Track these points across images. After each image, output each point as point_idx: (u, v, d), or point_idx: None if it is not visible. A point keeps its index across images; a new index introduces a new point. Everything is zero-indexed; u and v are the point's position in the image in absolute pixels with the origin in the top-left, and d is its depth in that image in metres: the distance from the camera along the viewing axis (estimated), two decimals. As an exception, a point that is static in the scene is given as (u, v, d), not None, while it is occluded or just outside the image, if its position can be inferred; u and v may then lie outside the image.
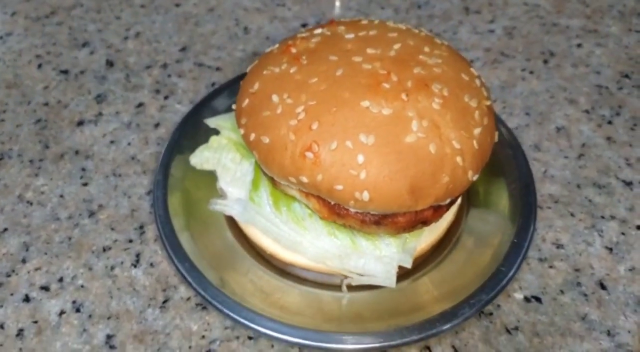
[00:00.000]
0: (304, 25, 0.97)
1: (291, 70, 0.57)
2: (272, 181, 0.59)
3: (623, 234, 0.67)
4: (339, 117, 0.52)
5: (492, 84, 0.85)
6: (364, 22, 0.63)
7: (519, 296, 0.62)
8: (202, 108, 0.74)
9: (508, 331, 0.59)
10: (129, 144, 0.78)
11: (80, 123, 0.81)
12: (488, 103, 0.58)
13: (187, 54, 0.91)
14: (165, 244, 0.62)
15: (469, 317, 0.56)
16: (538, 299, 0.62)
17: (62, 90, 0.86)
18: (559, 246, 0.66)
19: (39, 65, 0.90)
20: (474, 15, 0.98)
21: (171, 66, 0.89)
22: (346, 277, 0.60)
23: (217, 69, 0.89)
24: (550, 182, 0.72)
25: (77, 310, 0.62)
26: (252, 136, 0.56)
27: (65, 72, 0.89)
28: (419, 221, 0.56)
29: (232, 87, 0.77)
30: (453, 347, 0.58)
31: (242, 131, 0.58)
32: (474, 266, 0.62)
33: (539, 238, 0.67)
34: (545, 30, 0.94)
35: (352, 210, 0.54)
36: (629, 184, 0.72)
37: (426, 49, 0.59)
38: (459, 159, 0.53)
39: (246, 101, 0.58)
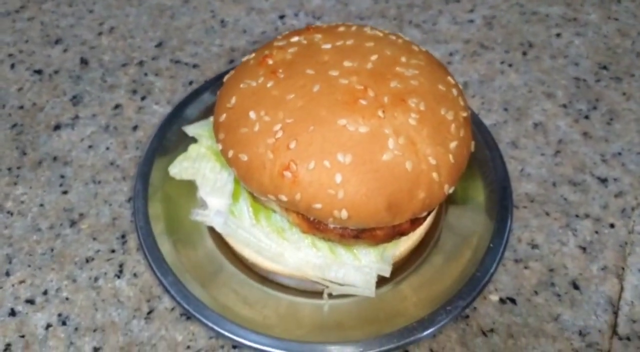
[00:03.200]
0: (281, 17, 0.95)
1: (268, 85, 0.57)
2: (252, 195, 0.59)
3: (597, 232, 0.69)
4: (316, 136, 0.52)
5: (472, 78, 0.86)
6: (341, 29, 0.62)
7: (494, 297, 0.64)
8: (180, 112, 0.74)
9: (484, 333, 0.62)
10: (107, 148, 0.78)
11: (57, 127, 0.80)
12: (465, 115, 0.58)
13: (163, 50, 0.90)
14: (148, 256, 0.62)
15: (446, 324, 0.58)
16: (513, 301, 0.64)
17: (37, 92, 0.84)
18: (534, 246, 0.68)
19: (12, 65, 0.88)
20: (454, 4, 0.97)
21: (147, 64, 0.88)
22: (327, 286, 0.62)
23: (194, 66, 0.88)
24: (527, 180, 0.74)
25: (63, 323, 0.62)
26: (231, 153, 0.56)
27: (39, 72, 0.87)
28: (397, 233, 0.57)
29: (210, 89, 0.76)
30: (431, 350, 0.60)
31: (220, 146, 0.58)
32: (452, 270, 0.63)
33: (514, 238, 0.69)
34: (525, 19, 0.94)
35: (331, 225, 0.55)
36: (603, 181, 0.74)
37: (403, 59, 0.58)
38: (435, 175, 0.54)
39: (223, 116, 0.58)
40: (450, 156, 0.55)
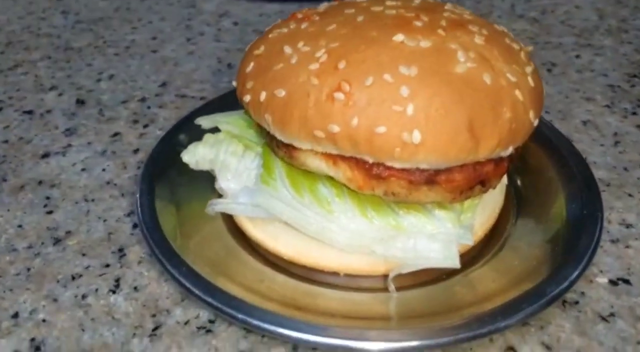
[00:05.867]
0: (290, 60, 0.91)
1: (302, 26, 0.49)
2: (289, 156, 0.47)
3: (693, 208, 0.58)
4: (369, 53, 0.44)
5: (501, 92, 0.80)
6: (373, -7, 0.57)
7: (602, 280, 0.50)
8: (194, 115, 0.64)
9: (604, 319, 0.47)
10: (103, 170, 0.66)
11: (46, 155, 0.69)
12: (529, 48, 0.51)
13: (168, 88, 0.83)
14: (157, 253, 0.48)
15: (556, 299, 0.44)
16: (626, 281, 0.50)
17: (25, 129, 0.75)
18: (628, 226, 0.56)
19: (0, 109, 0.80)
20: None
21: (150, 100, 0.81)
22: (386, 276, 0.48)
23: (202, 98, 0.81)
24: (595, 168, 0.64)
25: (37, 348, 0.46)
26: (263, 95, 0.46)
27: (29, 112, 0.79)
28: (478, 178, 0.45)
29: (230, 98, 0.68)
30: (543, 344, 0.45)
31: (247, 98, 0.48)
32: (538, 252, 0.50)
33: (603, 221, 0.56)
34: (540, 47, 0.92)
35: (397, 165, 0.43)
36: (678, 163, 0.64)
37: (449, 5, 0.52)
38: (517, 92, 0.44)
39: (251, 65, 0.49)
40: (530, 79, 0.46)
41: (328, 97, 0.43)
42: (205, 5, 1.12)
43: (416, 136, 0.41)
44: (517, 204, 0.57)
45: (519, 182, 0.59)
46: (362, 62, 0.43)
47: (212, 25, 1.04)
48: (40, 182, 0.65)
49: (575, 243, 0.48)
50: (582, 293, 0.49)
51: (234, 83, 0.52)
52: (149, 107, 0.79)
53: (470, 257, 0.50)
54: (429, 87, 0.42)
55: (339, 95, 0.42)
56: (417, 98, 0.42)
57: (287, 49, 0.47)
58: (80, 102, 0.81)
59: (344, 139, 0.43)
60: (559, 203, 0.54)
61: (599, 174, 0.63)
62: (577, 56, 0.89)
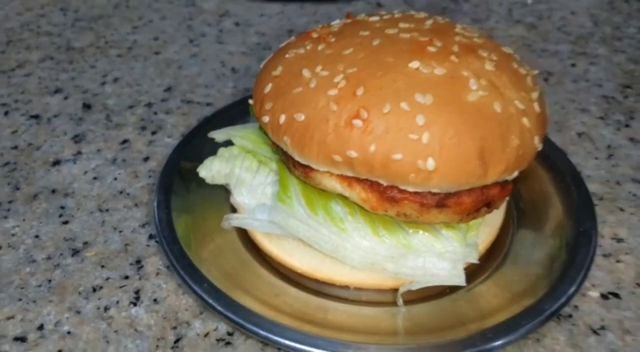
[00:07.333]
0: (293, 64, 0.93)
1: (319, 48, 0.51)
2: (305, 175, 0.50)
3: (682, 223, 0.61)
4: (386, 80, 0.46)
5: (499, 101, 0.82)
6: (383, 11, 0.59)
7: (594, 293, 0.54)
8: (206, 124, 0.66)
9: (595, 332, 0.50)
10: (115, 178, 0.68)
11: (56, 163, 0.71)
12: (535, 72, 0.53)
13: (173, 92, 0.84)
14: (177, 267, 0.50)
15: (554, 315, 0.47)
16: (616, 295, 0.53)
17: (34, 134, 0.76)
18: (619, 240, 0.59)
19: (6, 112, 0.80)
20: (463, 47, 0.97)
21: (157, 105, 0.82)
22: (395, 290, 0.50)
23: (208, 104, 0.82)
24: (589, 181, 0.67)
25: (64, 361, 0.48)
26: (282, 118, 0.48)
27: (35, 116, 0.79)
28: (485, 200, 0.48)
29: (238, 107, 0.70)
30: (541, 356, 0.48)
31: (266, 119, 0.50)
32: (536, 269, 0.53)
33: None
34: (537, 55, 0.94)
35: (410, 189, 0.46)
36: (668, 177, 0.68)
37: (459, 26, 0.55)
38: (525, 120, 0.47)
39: (269, 86, 0.51)
40: (536, 105, 0.49)
41: (347, 124, 0.45)
42: (204, 4, 1.12)
43: (430, 163, 0.44)
44: (516, 218, 0.59)
45: (518, 196, 0.62)
46: (380, 89, 0.45)
47: (213, 25, 1.05)
48: (53, 191, 0.66)
49: (572, 260, 0.51)
50: (576, 307, 0.52)
51: (250, 101, 0.54)
52: (155, 113, 0.80)
53: (472, 271, 0.53)
54: (443, 116, 0.44)
55: (358, 122, 0.44)
56: (433, 127, 0.44)
57: (306, 73, 0.49)
58: (86, 106, 0.82)
59: (361, 164, 0.45)
60: (556, 219, 0.57)
61: (592, 187, 0.66)
62: (573, 65, 0.91)
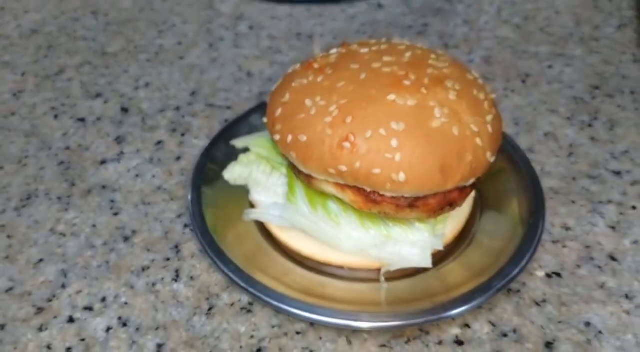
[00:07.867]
0: (301, 68, 1.05)
1: (318, 79, 0.64)
2: (308, 181, 0.63)
3: (622, 214, 0.74)
4: (370, 110, 0.59)
5: (480, 103, 0.94)
6: (373, 41, 0.71)
7: (540, 273, 0.67)
8: (228, 130, 0.80)
9: (537, 304, 0.64)
10: (153, 176, 0.82)
11: (104, 162, 0.85)
12: (492, 96, 0.65)
13: (197, 97, 0.98)
14: (209, 252, 0.65)
15: (499, 298, 0.61)
16: (558, 275, 0.67)
17: (82, 136, 0.90)
18: (568, 229, 0.72)
19: (55, 116, 0.94)
20: (454, 50, 1.08)
21: (184, 108, 0.95)
22: (379, 269, 0.64)
23: (228, 107, 0.95)
24: (548, 177, 0.79)
25: (124, 324, 0.63)
26: (289, 138, 0.61)
27: (82, 120, 0.93)
28: (447, 202, 0.61)
29: (255, 114, 0.83)
30: (490, 322, 0.62)
31: (277, 137, 0.63)
32: (495, 252, 0.66)
33: (547, 224, 0.73)
34: (518, 56, 1.05)
35: (388, 194, 0.59)
36: (617, 173, 0.80)
37: (433, 56, 0.67)
38: (478, 140, 0.60)
39: (279, 110, 0.64)
40: (489, 127, 0.61)
41: (338, 145, 0.58)
42: (222, 7, 1.24)
43: (402, 176, 0.57)
44: (481, 210, 0.73)
45: (484, 193, 0.75)
46: (365, 118, 0.58)
47: (230, 29, 1.17)
48: (103, 187, 0.81)
49: (521, 246, 0.65)
50: (524, 283, 0.66)
51: (265, 120, 0.67)
52: (183, 117, 0.93)
53: (442, 255, 0.66)
54: (412, 140, 0.57)
55: (347, 144, 0.58)
56: (404, 149, 0.57)
57: (308, 102, 0.62)
58: (124, 110, 0.95)
59: (349, 175, 0.59)
60: (513, 211, 0.70)
61: (551, 183, 0.79)
62: (550, 66, 1.03)
